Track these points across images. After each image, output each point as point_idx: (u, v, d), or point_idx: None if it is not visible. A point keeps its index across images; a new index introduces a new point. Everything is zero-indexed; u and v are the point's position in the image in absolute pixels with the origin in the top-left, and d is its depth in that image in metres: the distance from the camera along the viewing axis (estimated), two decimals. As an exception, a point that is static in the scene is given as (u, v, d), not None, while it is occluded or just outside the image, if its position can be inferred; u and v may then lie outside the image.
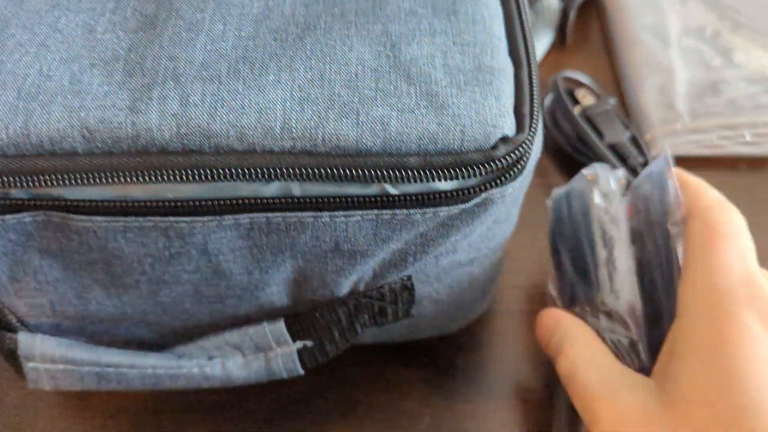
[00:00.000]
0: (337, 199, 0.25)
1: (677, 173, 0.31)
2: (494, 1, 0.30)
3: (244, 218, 0.26)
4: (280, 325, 0.31)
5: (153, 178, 0.24)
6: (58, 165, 0.24)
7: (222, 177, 0.24)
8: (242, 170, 0.24)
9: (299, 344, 0.31)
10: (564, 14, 0.52)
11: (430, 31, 0.27)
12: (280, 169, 0.24)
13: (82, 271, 0.28)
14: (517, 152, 0.25)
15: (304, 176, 0.24)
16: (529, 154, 0.26)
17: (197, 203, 0.25)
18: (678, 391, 0.25)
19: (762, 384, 0.23)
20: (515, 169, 0.26)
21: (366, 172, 0.24)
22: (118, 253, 0.27)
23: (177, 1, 0.28)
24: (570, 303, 0.35)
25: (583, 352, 0.29)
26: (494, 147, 0.25)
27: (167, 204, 0.25)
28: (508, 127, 0.26)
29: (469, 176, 0.25)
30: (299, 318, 0.31)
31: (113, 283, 0.29)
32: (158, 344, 0.32)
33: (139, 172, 0.24)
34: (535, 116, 0.26)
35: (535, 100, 0.27)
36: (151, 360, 0.31)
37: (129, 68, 0.26)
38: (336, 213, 0.26)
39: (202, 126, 0.24)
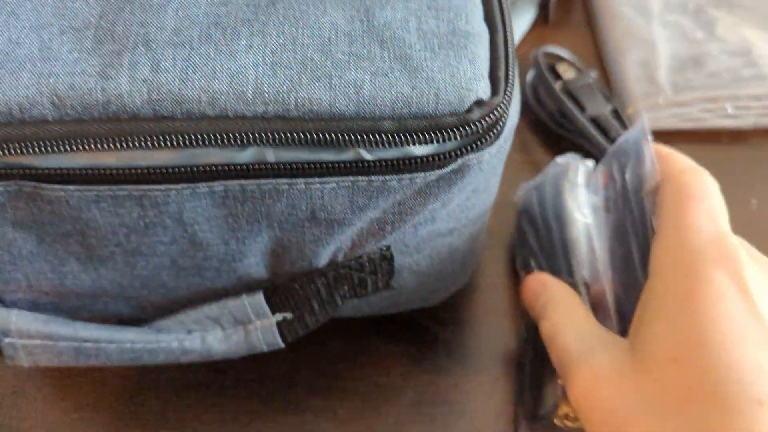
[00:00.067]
0: (312, 165, 0.25)
1: (652, 145, 0.31)
2: (470, -33, 0.29)
3: (218, 185, 0.25)
4: (259, 297, 0.30)
5: (124, 145, 0.24)
6: (28, 133, 0.24)
7: (194, 143, 0.24)
8: (214, 136, 0.24)
9: (279, 317, 0.31)
10: (546, -9, 0.52)
11: (405, -5, 0.27)
12: (253, 134, 0.24)
13: (56, 243, 0.28)
14: (492, 116, 0.25)
15: (278, 141, 0.24)
16: (505, 117, 0.26)
17: (170, 170, 0.25)
18: (647, 350, 0.25)
19: (728, 340, 0.23)
20: (491, 134, 0.26)
21: (340, 136, 0.24)
22: (93, 224, 0.27)
23: (149, -32, 0.27)
24: None
25: (565, 315, 0.30)
26: (469, 110, 0.25)
27: (140, 171, 0.25)
28: (483, 90, 0.25)
29: (444, 140, 0.25)
30: (278, 290, 0.30)
31: (89, 256, 0.28)
32: (138, 320, 0.32)
33: (110, 139, 0.24)
34: (510, 80, 0.26)
35: (510, 65, 0.27)
36: (129, 334, 0.31)
37: (99, 35, 0.25)
38: (311, 180, 0.26)
39: (174, 91, 0.24)
